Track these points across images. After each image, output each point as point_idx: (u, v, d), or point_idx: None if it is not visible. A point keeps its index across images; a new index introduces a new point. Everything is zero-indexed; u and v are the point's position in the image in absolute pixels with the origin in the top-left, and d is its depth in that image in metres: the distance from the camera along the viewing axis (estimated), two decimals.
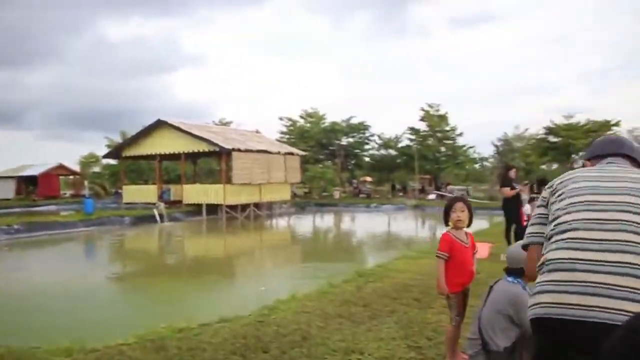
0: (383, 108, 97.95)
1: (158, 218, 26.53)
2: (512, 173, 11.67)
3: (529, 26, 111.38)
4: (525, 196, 11.85)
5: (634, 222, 2.06)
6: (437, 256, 4.45)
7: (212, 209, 29.84)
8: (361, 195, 47.11)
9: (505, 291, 3.89)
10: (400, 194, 47.72)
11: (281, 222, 31.33)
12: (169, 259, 18.24)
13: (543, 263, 2.16)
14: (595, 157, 2.56)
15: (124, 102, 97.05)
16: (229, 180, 30.43)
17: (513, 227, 11.54)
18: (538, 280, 2.16)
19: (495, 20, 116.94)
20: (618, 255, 1.98)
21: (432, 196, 44.15)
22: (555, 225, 2.20)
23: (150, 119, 34.30)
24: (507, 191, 11.38)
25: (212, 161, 40.09)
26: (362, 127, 48.02)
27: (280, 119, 52.57)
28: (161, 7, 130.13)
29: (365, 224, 29.37)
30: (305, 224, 31.21)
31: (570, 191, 2.27)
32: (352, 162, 52.70)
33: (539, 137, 45.35)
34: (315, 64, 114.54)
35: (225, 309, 6.59)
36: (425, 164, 48.33)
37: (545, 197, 2.43)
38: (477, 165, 53.02)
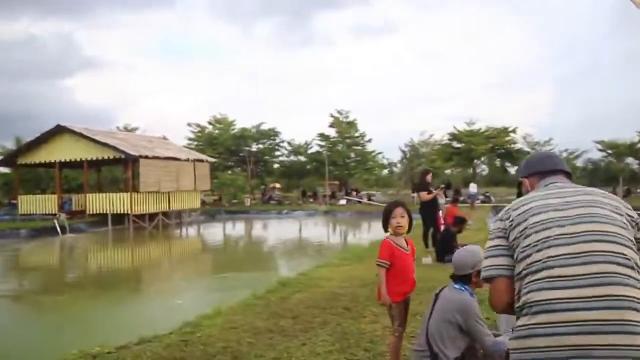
0: (293, 115, 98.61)
1: (59, 230, 24.81)
2: (429, 177, 11.82)
3: (428, 39, 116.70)
4: (441, 200, 12.04)
5: (616, 252, 1.96)
6: (377, 264, 4.23)
7: (118, 218, 28.41)
8: (272, 202, 46.84)
9: (453, 299, 3.73)
10: (311, 200, 47.93)
11: (191, 231, 30.37)
12: (73, 273, 17.03)
13: (524, 305, 1.99)
14: (534, 174, 2.45)
15: (16, 107, 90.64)
16: (135, 189, 29.09)
17: (431, 230, 11.69)
18: (522, 323, 1.97)
19: (399, 32, 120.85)
20: (609, 289, 1.87)
21: (342, 202, 44.65)
22: (528, 265, 2.04)
23: (48, 124, 32.22)
24: (425, 195, 11.50)
25: (117, 169, 38.23)
26: (272, 134, 47.79)
27: (189, 125, 51.40)
28: (55, 6, 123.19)
29: (279, 231, 29.05)
30: (217, 232, 30.45)
31: (533, 225, 2.10)
32: (262, 168, 52.30)
33: (443, 142, 47.20)
34: (223, 70, 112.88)
35: (142, 327, 6.06)
36: (335, 170, 48.86)
37: (503, 229, 2.23)
38: (386, 171, 54.31)
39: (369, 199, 47.20)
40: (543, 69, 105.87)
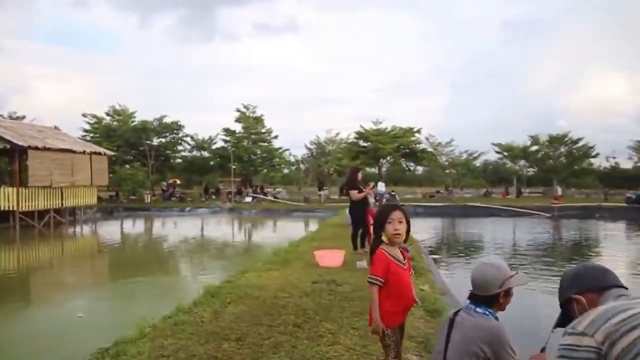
0: (197, 111, 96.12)
1: None
2: (360, 175, 11.15)
3: (330, 40, 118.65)
4: (372, 199, 11.41)
5: None
6: (369, 282, 3.38)
7: (3, 216, 25.58)
8: (173, 199, 44.83)
9: (479, 327, 2.93)
10: (214, 197, 46.39)
11: (87, 230, 28.06)
12: None
13: None
14: (591, 291, 2.19)
15: None
16: (23, 183, 26.32)
17: (360, 231, 11.03)
18: None
19: (300, 31, 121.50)
20: None
21: (248, 199, 43.50)
22: None
23: None
24: (356, 194, 10.80)
25: (1, 160, 34.64)
26: (175, 127, 45.53)
27: (84, 115, 47.81)
28: None
29: (185, 229, 27.49)
30: (116, 231, 28.35)
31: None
32: (164, 163, 49.87)
33: (349, 141, 47.21)
34: (122, 62, 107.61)
35: (41, 355, 4.82)
36: (240, 166, 47.56)
37: (599, 349, 1.76)
38: (293, 168, 53.63)
39: (275, 197, 46.44)
40: (440, 73, 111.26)
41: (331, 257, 9.28)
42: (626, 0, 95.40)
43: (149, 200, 42.08)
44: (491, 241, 22.65)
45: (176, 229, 28.69)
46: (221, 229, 28.93)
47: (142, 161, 46.97)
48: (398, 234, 3.41)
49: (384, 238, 3.43)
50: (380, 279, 3.30)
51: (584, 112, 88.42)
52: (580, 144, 48.63)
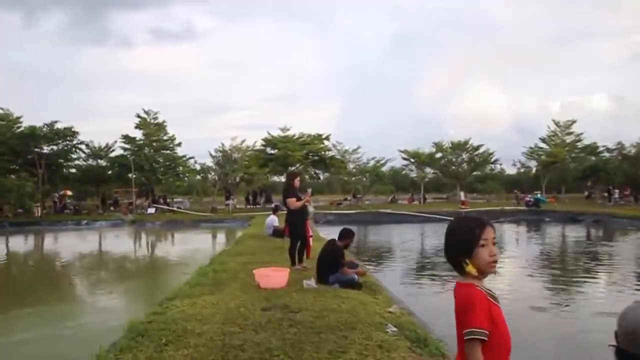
0: (92, 117, 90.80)
1: None
2: (297, 181, 9.99)
3: (226, 48, 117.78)
4: (311, 208, 10.25)
5: None
6: (469, 338, 2.17)
7: None
8: (66, 211, 41.33)
9: None
10: (112, 208, 43.32)
11: None
12: None
13: None
14: None
15: None
16: None
17: (298, 243, 9.88)
18: None
19: (198, 39, 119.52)
20: None
21: (151, 210, 40.94)
22: None
23: None
24: (294, 202, 9.63)
25: None
26: (68, 133, 41.81)
27: None
28: None
29: (81, 245, 24.97)
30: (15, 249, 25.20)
31: None
32: (56, 173, 45.87)
33: (256, 148, 45.78)
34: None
35: None
36: (142, 176, 44.80)
37: None
38: (199, 177, 51.26)
39: (178, 207, 44.14)
40: (333, 83, 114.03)
41: (276, 277, 8.04)
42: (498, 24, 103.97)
43: (39, 214, 38.43)
44: (414, 247, 22.27)
45: (71, 245, 25.98)
46: (125, 243, 26.61)
47: (30, 171, 42.90)
48: (495, 262, 2.27)
49: (470, 269, 2.25)
50: (486, 331, 2.13)
51: (468, 121, 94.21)
52: (481, 150, 50.42)
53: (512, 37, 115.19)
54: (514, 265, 16.71)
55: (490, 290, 2.23)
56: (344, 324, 5.76)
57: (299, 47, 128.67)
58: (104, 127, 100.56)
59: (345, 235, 8.52)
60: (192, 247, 22.67)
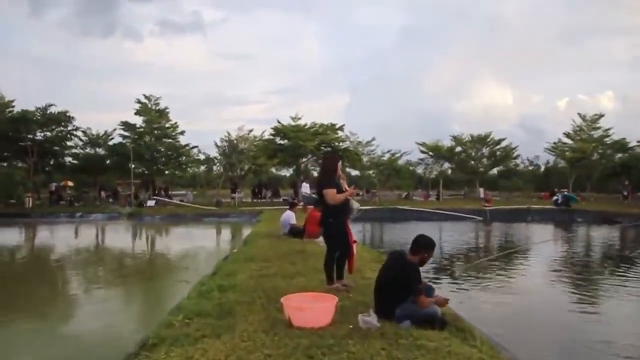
0: (93, 107, 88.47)
1: None
2: (339, 166, 7.10)
3: (233, 41, 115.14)
4: (356, 204, 7.30)
5: None
6: None
7: None
8: (62, 203, 38.59)
9: None
10: (111, 200, 40.57)
11: None
12: None
13: None
14: None
15: None
16: None
17: (337, 253, 7.01)
18: None
19: (205, 31, 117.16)
20: None
21: (151, 202, 38.14)
22: None
23: None
24: (334, 194, 6.75)
25: None
26: (63, 118, 38.86)
27: None
28: None
29: (64, 241, 22.08)
30: None
31: None
32: (50, 162, 43.09)
33: (265, 138, 42.85)
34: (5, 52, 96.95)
35: None
36: (142, 165, 41.99)
37: None
38: (203, 168, 48.37)
39: (181, 200, 41.33)
40: (340, 76, 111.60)
41: (316, 312, 5.17)
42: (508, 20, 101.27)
43: (30, 205, 35.66)
44: (450, 249, 19.32)
45: (51, 241, 23.22)
46: (115, 239, 23.75)
47: (23, 159, 40.15)
48: None
49: None
50: None
51: (473, 117, 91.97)
52: (503, 144, 47.43)
53: (520, 33, 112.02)
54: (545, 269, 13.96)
55: None
56: None
57: (306, 39, 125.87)
58: (109, 119, 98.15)
59: (422, 245, 5.56)
60: (194, 246, 19.88)
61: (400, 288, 5.39)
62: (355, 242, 7.35)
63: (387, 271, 5.61)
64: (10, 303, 10.41)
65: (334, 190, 6.80)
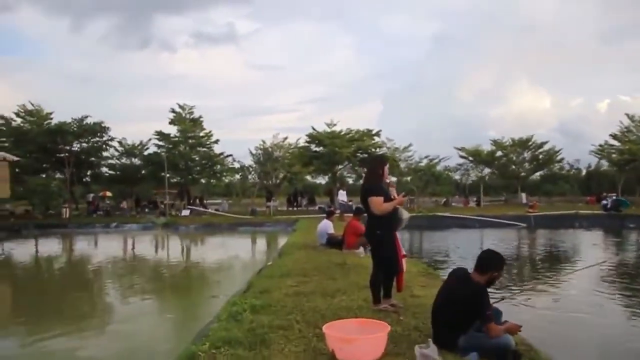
0: (130, 120, 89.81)
1: None
2: (387, 169, 6.25)
3: (266, 51, 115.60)
4: (406, 213, 6.41)
5: None
6: None
7: None
8: (98, 213, 38.58)
9: None
10: (147, 210, 40.44)
11: None
12: None
13: None
14: None
15: None
16: None
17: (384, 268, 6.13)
18: None
19: (238, 43, 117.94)
20: None
21: (185, 212, 37.83)
22: None
23: None
24: (380, 202, 5.90)
25: None
26: (98, 129, 39.01)
27: None
28: None
29: (97, 252, 21.79)
30: (19, 255, 22.13)
31: None
32: (87, 172, 43.34)
33: (300, 146, 42.21)
34: (48, 66, 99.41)
35: None
36: (176, 175, 41.82)
37: None
38: (238, 176, 48.00)
39: (216, 209, 40.93)
40: (373, 84, 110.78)
41: (365, 345, 4.31)
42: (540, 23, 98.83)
43: (67, 215, 35.71)
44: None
45: (84, 252, 23.01)
46: (148, 250, 23.34)
47: (61, 170, 40.44)
48: None
49: None
50: None
51: (510, 123, 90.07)
52: (546, 147, 45.69)
53: (555, 35, 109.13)
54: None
55: None
56: None
57: (339, 48, 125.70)
58: (145, 130, 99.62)
59: (491, 263, 4.65)
60: (227, 257, 19.24)
61: (464, 314, 4.49)
62: (404, 256, 6.47)
63: (449, 294, 4.70)
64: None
65: (381, 199, 5.94)
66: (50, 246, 25.66)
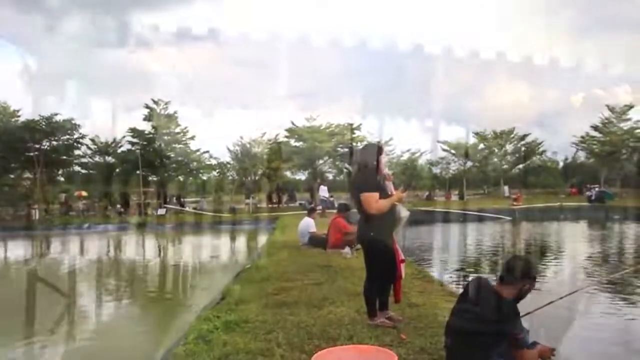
0: (105, 117, 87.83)
1: None
2: (383, 159, 5.30)
3: (246, 48, 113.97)
4: (405, 211, 5.49)
5: None
6: None
7: None
8: (71, 214, 37.11)
9: None
10: (122, 209, 39.08)
11: None
12: None
13: None
14: None
15: None
16: None
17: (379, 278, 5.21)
18: None
19: (218, 39, 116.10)
20: None
21: (161, 211, 36.54)
22: None
23: None
24: (375, 199, 4.96)
25: None
26: (69, 126, 37.61)
27: None
28: None
29: (71, 255, 20.57)
30: None
31: None
32: (59, 172, 41.84)
33: (279, 141, 41.25)
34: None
35: None
36: (151, 172, 40.55)
37: None
38: (215, 173, 46.84)
39: (194, 208, 39.74)
40: (351, 80, 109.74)
41: None
42: None
43: (37, 217, 34.25)
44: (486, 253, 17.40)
45: (47, 255, 21.74)
46: (115, 255, 22.18)
47: (30, 169, 38.91)
48: None
49: None
50: None
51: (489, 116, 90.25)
52: (528, 139, 45.41)
53: None
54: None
55: None
56: None
57: (319, 44, 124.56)
58: (120, 128, 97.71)
59: (522, 272, 3.72)
60: (204, 259, 18.22)
61: (491, 337, 3.58)
62: (403, 261, 5.54)
63: (468, 310, 3.78)
64: None
65: (376, 195, 4.99)
66: (13, 250, 24.29)
